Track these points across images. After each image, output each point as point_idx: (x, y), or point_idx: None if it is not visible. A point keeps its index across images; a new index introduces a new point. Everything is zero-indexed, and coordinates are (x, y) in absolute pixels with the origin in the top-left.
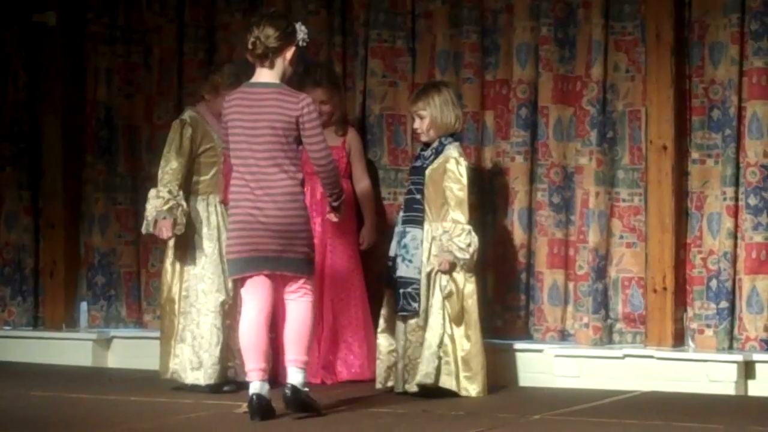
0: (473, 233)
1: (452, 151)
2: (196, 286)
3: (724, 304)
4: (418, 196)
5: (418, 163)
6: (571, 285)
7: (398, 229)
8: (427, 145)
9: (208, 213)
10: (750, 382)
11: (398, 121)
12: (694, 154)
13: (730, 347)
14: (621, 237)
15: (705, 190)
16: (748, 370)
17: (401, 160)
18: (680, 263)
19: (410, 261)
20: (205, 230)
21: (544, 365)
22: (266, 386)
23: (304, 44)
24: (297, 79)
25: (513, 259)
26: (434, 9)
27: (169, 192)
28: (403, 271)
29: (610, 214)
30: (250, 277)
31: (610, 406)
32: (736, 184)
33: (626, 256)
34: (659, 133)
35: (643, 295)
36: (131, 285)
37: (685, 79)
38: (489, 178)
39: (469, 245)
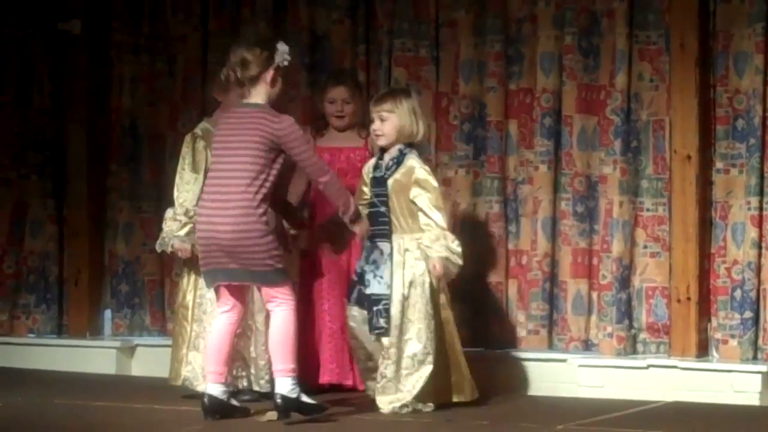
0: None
1: (414, 161)
2: (207, 294)
3: (748, 314)
4: (383, 209)
5: (378, 174)
6: (594, 295)
7: (366, 243)
8: (382, 152)
9: None
10: None
11: None
12: (719, 164)
13: (755, 357)
14: (645, 246)
15: (729, 199)
16: None
17: None
18: (704, 273)
19: (381, 277)
20: None
21: (568, 375)
22: (221, 387)
23: (286, 63)
24: (323, 81)
25: (536, 269)
26: (458, 18)
27: (185, 213)
28: (374, 287)
29: (634, 224)
30: (217, 288)
31: (634, 416)
32: (761, 193)
33: (650, 265)
34: (683, 142)
35: (667, 305)
36: (155, 293)
37: (709, 88)
38: (512, 187)
39: (461, 252)
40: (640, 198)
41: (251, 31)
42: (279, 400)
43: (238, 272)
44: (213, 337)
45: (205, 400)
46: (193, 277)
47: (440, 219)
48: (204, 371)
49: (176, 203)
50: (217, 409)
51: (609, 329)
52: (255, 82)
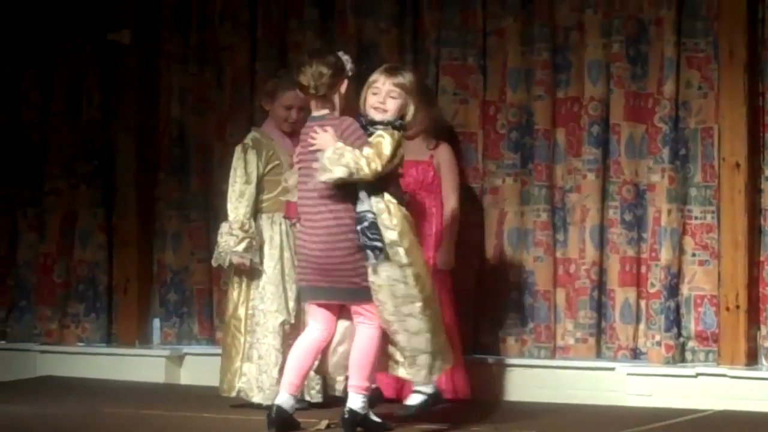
0: None
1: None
2: (259, 305)
3: None
4: None
5: None
6: (643, 303)
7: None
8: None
9: (272, 232)
10: None
11: (469, 139)
12: (767, 172)
13: None
14: (693, 255)
15: None
16: None
17: (472, 178)
18: (753, 281)
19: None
20: (267, 249)
21: (616, 384)
22: (291, 400)
23: (351, 73)
24: None
25: (585, 277)
26: (505, 26)
27: (241, 227)
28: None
29: (682, 232)
30: (309, 304)
31: (682, 425)
32: None
33: (698, 274)
34: (732, 150)
35: (716, 313)
36: (203, 302)
37: (758, 96)
38: (560, 195)
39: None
40: (688, 206)
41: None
42: (347, 415)
43: (327, 290)
44: (298, 349)
45: (273, 411)
46: (243, 288)
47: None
48: (281, 381)
49: (230, 217)
50: (281, 423)
51: (657, 337)
52: (332, 91)
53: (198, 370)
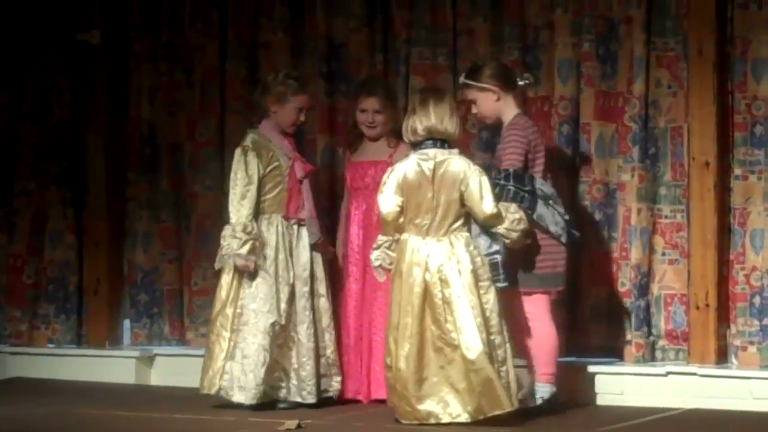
0: None
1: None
2: (249, 305)
3: (767, 320)
4: None
5: None
6: (613, 302)
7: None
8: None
9: (269, 233)
10: None
11: None
12: (737, 170)
13: None
14: (663, 254)
15: (748, 206)
16: None
17: None
18: (723, 280)
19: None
20: (265, 250)
21: (587, 382)
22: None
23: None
24: (356, 90)
25: None
26: (476, 26)
27: (244, 229)
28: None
29: (652, 231)
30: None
31: (653, 424)
32: None
33: (669, 272)
34: (701, 149)
35: (686, 311)
36: (174, 303)
37: (727, 95)
38: None
39: None
40: (658, 205)
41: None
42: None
43: None
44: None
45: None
46: (234, 288)
47: None
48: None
49: (233, 219)
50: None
51: (628, 336)
52: None
53: (168, 370)
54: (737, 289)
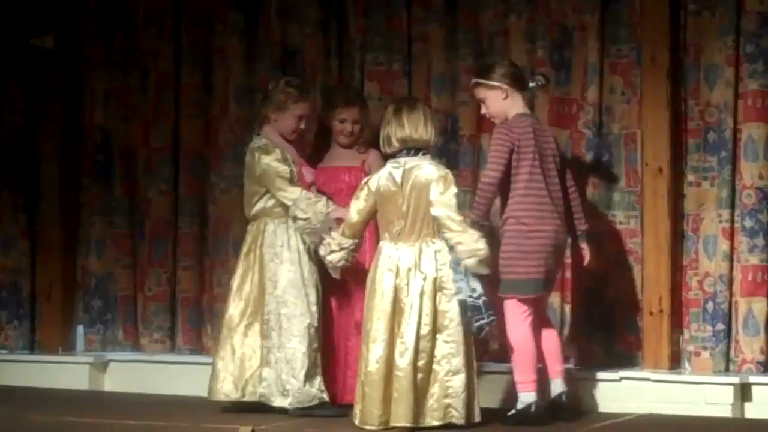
0: None
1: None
2: (281, 310)
3: (720, 326)
4: None
5: None
6: (567, 308)
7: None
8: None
9: (288, 236)
10: (746, 405)
11: None
12: (690, 177)
13: (727, 369)
14: (617, 260)
15: (701, 212)
16: (744, 392)
17: None
18: (676, 286)
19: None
20: (286, 254)
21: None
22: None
23: None
24: (322, 99)
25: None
26: (430, 32)
27: (307, 196)
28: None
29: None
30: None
31: (606, 429)
32: (732, 206)
33: (623, 278)
34: (655, 155)
35: (640, 317)
36: (128, 308)
37: (680, 101)
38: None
39: None
40: (612, 211)
41: (224, 47)
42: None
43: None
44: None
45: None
46: (246, 290)
47: None
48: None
49: (294, 195)
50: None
51: (582, 342)
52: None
53: (122, 376)
54: (690, 294)
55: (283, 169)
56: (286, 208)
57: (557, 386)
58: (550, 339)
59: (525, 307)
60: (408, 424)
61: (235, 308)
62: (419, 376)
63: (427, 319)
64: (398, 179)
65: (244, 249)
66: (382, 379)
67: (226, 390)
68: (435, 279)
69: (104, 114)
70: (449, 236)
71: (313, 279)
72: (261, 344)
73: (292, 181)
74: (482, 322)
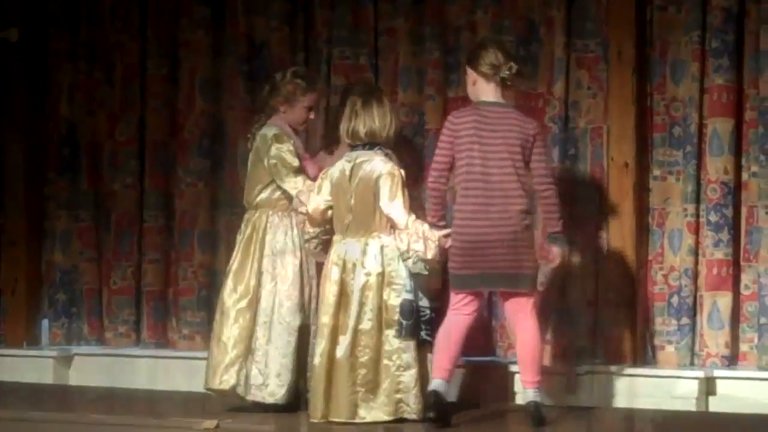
0: None
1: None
2: (273, 304)
3: (685, 320)
4: None
5: None
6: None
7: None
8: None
9: (291, 230)
10: (711, 399)
11: None
12: (656, 171)
13: (692, 363)
14: (584, 254)
15: (666, 206)
16: (709, 386)
17: None
18: (641, 280)
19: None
20: (287, 248)
21: (506, 382)
22: (446, 386)
23: None
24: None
25: None
26: (397, 26)
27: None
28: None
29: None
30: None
31: (570, 423)
32: (697, 201)
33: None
34: (621, 150)
35: (603, 311)
36: (93, 302)
37: (646, 96)
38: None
39: None
40: (577, 205)
41: (190, 41)
42: (534, 409)
43: (494, 277)
44: (450, 336)
45: (432, 397)
46: (243, 281)
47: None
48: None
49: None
50: (441, 407)
51: (548, 336)
52: (513, 83)
53: (87, 370)
54: (656, 289)
55: (293, 160)
56: (290, 200)
57: (528, 395)
58: (522, 347)
59: (457, 300)
60: (343, 420)
61: (228, 297)
62: (363, 371)
63: (370, 314)
64: (347, 173)
65: (243, 238)
66: (325, 373)
67: (212, 378)
68: (381, 274)
69: (69, 107)
70: (397, 233)
71: (311, 275)
72: (250, 335)
73: (298, 173)
74: (420, 336)
